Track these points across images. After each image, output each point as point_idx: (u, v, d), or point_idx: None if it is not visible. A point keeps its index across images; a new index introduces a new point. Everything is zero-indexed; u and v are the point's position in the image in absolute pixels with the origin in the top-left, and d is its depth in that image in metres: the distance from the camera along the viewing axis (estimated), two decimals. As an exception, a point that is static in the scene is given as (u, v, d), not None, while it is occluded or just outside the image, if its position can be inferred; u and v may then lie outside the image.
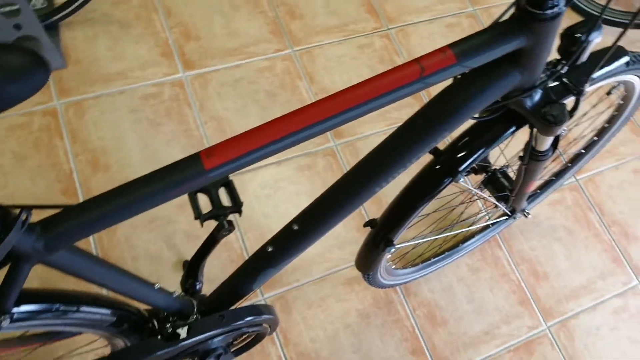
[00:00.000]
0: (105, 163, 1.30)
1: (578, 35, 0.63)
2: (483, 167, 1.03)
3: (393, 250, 0.88)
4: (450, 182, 0.78)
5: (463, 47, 0.53)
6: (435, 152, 0.77)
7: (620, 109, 1.05)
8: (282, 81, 1.49)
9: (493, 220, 1.26)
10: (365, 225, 0.89)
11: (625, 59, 0.78)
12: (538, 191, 1.30)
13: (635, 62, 0.81)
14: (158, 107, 1.39)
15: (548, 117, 0.66)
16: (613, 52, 0.78)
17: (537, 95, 0.67)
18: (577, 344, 1.30)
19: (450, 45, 0.53)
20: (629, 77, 0.88)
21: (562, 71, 0.67)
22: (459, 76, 0.62)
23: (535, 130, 0.73)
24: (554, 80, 0.70)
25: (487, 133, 0.74)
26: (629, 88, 0.95)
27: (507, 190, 0.96)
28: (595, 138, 1.16)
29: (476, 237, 1.29)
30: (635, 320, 1.35)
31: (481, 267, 1.35)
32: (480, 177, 1.07)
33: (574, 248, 1.42)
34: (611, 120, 1.09)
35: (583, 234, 1.44)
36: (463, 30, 1.69)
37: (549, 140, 0.74)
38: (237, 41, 1.52)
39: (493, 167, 1.04)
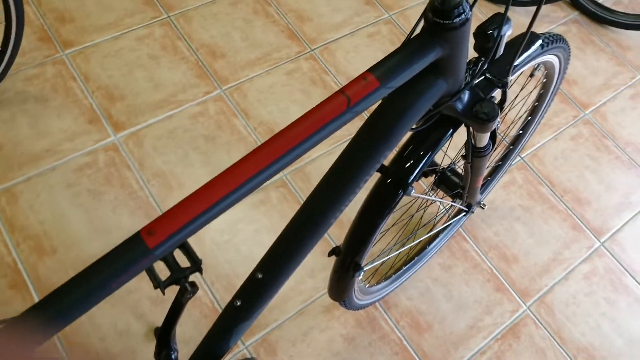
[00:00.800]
0: (51, 246, 1.23)
1: (490, 32, 0.65)
2: (432, 170, 1.04)
3: (363, 273, 0.86)
4: (403, 195, 0.77)
5: (383, 70, 0.53)
6: (382, 169, 0.76)
7: (545, 87, 1.09)
8: (218, 123, 1.46)
9: (453, 218, 1.27)
10: (330, 254, 0.88)
11: (539, 42, 0.81)
12: (489, 178, 1.32)
13: (549, 43, 0.84)
14: (96, 176, 1.34)
15: (480, 115, 0.67)
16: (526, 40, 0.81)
17: (466, 96, 0.68)
18: (559, 317, 1.32)
19: (371, 70, 0.53)
20: (547, 58, 0.91)
21: (484, 68, 0.68)
22: (388, 95, 0.62)
23: (472, 128, 0.74)
24: (478, 78, 0.71)
25: (427, 140, 0.75)
26: (548, 67, 0.99)
27: (459, 188, 0.97)
28: (530, 117, 1.19)
29: (441, 236, 1.30)
30: (606, 280, 1.39)
31: (452, 263, 1.36)
32: (432, 179, 1.08)
33: (534, 224, 1.45)
34: (540, 98, 1.13)
35: (539, 208, 1.48)
36: (384, 37, 1.72)
37: (487, 135, 0.75)
38: (164, 92, 1.49)
39: (441, 168, 1.05)
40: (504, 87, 0.71)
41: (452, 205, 1.05)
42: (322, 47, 1.66)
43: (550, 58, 0.93)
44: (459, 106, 0.67)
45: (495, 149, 0.86)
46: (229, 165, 0.51)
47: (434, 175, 1.04)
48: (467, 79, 0.68)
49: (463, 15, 0.52)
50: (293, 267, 0.71)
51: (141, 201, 1.32)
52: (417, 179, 0.76)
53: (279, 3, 1.72)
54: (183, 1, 1.66)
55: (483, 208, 1.12)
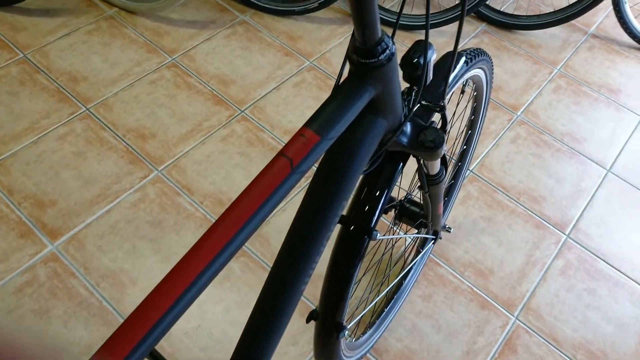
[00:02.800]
0: (1, 384, 1.10)
1: (416, 60, 0.64)
2: (390, 205, 1.01)
3: (347, 331, 0.81)
4: (369, 241, 0.73)
5: (320, 122, 0.50)
6: (341, 219, 0.72)
7: (477, 99, 1.10)
8: (161, 205, 1.39)
9: (422, 248, 1.24)
10: (308, 320, 0.82)
11: (462, 59, 0.81)
12: (445, 199, 1.31)
13: (472, 59, 0.85)
14: (38, 292, 1.22)
15: (427, 144, 0.65)
16: (449, 60, 0.81)
17: (408, 129, 0.65)
18: (548, 319, 1.30)
19: (307, 124, 0.50)
20: (473, 72, 0.92)
21: (418, 96, 0.67)
22: (332, 146, 0.59)
23: (421, 158, 0.72)
24: (415, 107, 0.70)
25: (380, 180, 0.72)
26: (476, 80, 1.00)
27: (421, 217, 0.94)
28: (470, 131, 1.20)
29: (414, 269, 1.27)
30: (582, 271, 1.39)
31: (432, 291, 1.32)
32: (392, 214, 1.05)
33: (500, 233, 1.45)
34: (475, 112, 1.14)
35: (500, 216, 1.48)
36: (311, 84, 1.72)
37: (438, 161, 0.73)
38: (97, 186, 1.41)
39: (399, 200, 1.03)
40: (442, 110, 0.69)
41: (418, 236, 1.02)
42: (251, 107, 1.64)
43: (477, 72, 0.94)
44: (404, 140, 0.65)
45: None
46: (182, 247, 0.45)
47: (393, 209, 1.02)
48: (405, 111, 0.66)
49: (388, 51, 0.50)
50: (272, 348, 0.64)
51: (94, 308, 1.21)
52: (378, 220, 0.73)
53: (199, 73, 1.69)
54: (99, 90, 1.60)
55: (449, 231, 1.09)
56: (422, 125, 0.65)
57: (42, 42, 1.69)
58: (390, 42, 0.50)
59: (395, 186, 0.89)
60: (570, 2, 1.91)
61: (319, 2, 1.82)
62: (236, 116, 1.61)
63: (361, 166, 0.59)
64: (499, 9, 1.99)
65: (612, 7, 1.91)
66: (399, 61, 0.64)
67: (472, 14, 1.99)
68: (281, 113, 1.64)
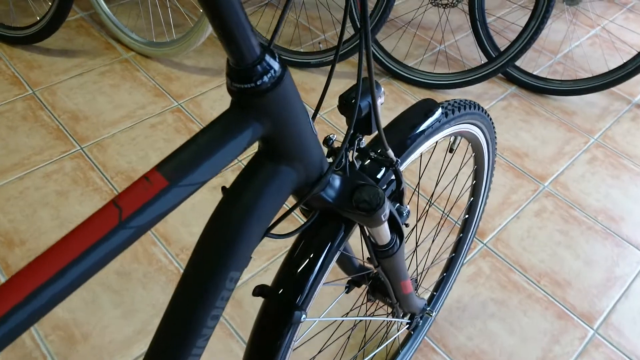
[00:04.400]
0: None
1: (353, 100, 0.51)
2: (362, 276, 0.86)
3: None
4: (299, 321, 0.59)
5: (174, 164, 0.38)
6: (262, 291, 0.58)
7: (478, 162, 0.95)
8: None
9: (414, 330, 1.06)
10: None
11: (439, 111, 0.68)
12: (444, 275, 1.14)
13: (454, 111, 0.71)
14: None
15: (362, 205, 0.51)
16: (423, 108, 0.68)
17: (337, 183, 0.52)
18: None
19: (158, 167, 0.38)
20: (462, 128, 0.78)
21: (360, 146, 0.54)
22: (223, 198, 0.46)
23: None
24: (361, 159, 0.57)
25: (312, 244, 0.58)
26: (471, 139, 0.86)
27: (388, 297, 0.78)
28: (472, 198, 1.04)
29: (402, 354, 1.08)
30: (610, 376, 1.15)
31: (423, 384, 1.12)
32: (365, 288, 0.89)
33: (512, 319, 1.24)
34: (477, 176, 0.99)
35: (515, 299, 1.28)
36: (169, 126, 1.61)
37: (384, 228, 0.59)
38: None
39: (374, 272, 0.87)
40: (393, 165, 0.56)
41: (391, 320, 0.85)
42: (93, 144, 1.50)
43: (467, 128, 0.80)
44: (332, 196, 0.51)
45: (405, 241, 0.69)
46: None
47: (367, 281, 0.86)
48: (332, 161, 0.53)
49: (271, 73, 0.38)
50: None
51: (39, 363, 1.09)
52: (310, 297, 0.58)
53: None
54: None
55: (431, 316, 0.92)
56: (358, 183, 0.52)
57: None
58: (277, 61, 0.38)
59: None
60: (611, 68, 1.74)
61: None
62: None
63: (260, 223, 0.46)
64: (530, 71, 1.85)
65: (659, 75, 1.74)
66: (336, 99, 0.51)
67: (500, 74, 1.86)
68: (123, 153, 1.50)
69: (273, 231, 0.49)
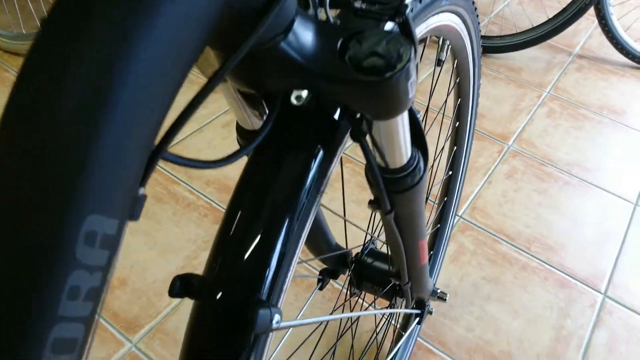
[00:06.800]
0: None
1: None
2: (339, 261, 0.60)
3: None
4: (269, 326, 0.31)
5: None
6: (188, 287, 0.30)
7: (460, 70, 0.73)
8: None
9: (404, 329, 0.81)
10: None
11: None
12: (431, 252, 0.90)
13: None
14: None
15: (369, 61, 0.25)
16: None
17: (311, 29, 0.26)
18: None
19: None
20: (440, 20, 0.55)
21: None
22: None
23: (363, 121, 0.31)
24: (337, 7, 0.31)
25: (277, 186, 0.31)
26: (451, 36, 0.63)
27: (392, 278, 0.52)
28: (455, 147, 0.82)
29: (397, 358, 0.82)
30: (636, 344, 0.96)
31: (426, 397, 0.87)
32: (345, 278, 0.62)
33: (512, 298, 1.02)
34: (461, 91, 0.76)
35: (509, 274, 1.07)
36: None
37: (399, 127, 0.32)
38: None
39: (353, 256, 0.61)
40: (400, 15, 0.31)
41: (391, 313, 0.59)
42: None
43: (448, 19, 0.57)
44: (304, 52, 0.24)
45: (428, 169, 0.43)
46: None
47: (346, 267, 0.60)
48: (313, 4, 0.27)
49: None
50: None
51: None
52: (284, 278, 0.31)
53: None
54: None
55: (445, 300, 0.67)
56: (350, 29, 0.26)
57: None
58: None
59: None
60: (550, 17, 1.63)
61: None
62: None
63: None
64: (467, 32, 1.70)
65: (596, 22, 1.64)
66: None
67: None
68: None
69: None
